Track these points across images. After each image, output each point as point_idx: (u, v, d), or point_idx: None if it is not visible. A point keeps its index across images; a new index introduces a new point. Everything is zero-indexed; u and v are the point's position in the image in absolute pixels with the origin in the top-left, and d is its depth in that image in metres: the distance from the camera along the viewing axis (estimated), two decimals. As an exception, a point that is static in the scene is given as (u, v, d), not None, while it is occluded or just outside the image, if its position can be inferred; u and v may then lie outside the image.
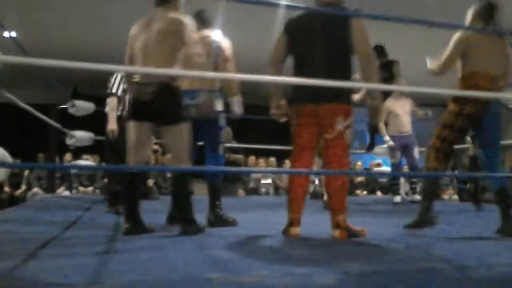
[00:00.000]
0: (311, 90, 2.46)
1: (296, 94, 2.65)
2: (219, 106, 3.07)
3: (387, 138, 5.30)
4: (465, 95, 2.70)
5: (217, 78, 3.06)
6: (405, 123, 5.35)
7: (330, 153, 2.58)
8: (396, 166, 5.45)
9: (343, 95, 2.56)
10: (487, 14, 2.77)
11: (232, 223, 3.04)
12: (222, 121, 3.13)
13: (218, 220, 3.02)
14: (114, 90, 3.84)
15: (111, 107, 3.82)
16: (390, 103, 5.32)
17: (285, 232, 2.60)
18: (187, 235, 2.53)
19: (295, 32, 2.65)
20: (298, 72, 2.61)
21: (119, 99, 3.83)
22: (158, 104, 2.52)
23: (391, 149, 5.31)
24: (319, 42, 2.57)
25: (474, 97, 2.65)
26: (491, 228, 2.77)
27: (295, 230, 2.57)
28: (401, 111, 5.35)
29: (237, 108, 3.25)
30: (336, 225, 2.53)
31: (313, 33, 2.58)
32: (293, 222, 2.59)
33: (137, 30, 2.69)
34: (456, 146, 3.02)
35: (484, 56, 2.72)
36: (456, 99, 2.76)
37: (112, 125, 3.77)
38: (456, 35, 2.78)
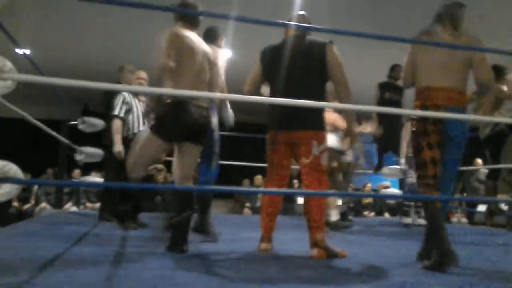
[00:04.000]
0: (286, 118, 2.59)
1: (272, 122, 2.71)
2: (214, 120, 3.10)
3: (402, 161, 5.16)
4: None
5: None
6: None
7: (308, 176, 2.68)
8: None
9: (316, 122, 2.66)
10: (449, 16, 2.46)
11: (213, 237, 3.10)
12: (216, 133, 3.16)
13: (201, 228, 3.11)
14: (116, 112, 3.82)
15: (116, 129, 3.79)
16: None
17: (258, 247, 2.79)
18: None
19: (270, 61, 2.74)
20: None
21: (122, 120, 3.84)
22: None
23: None
24: (295, 71, 2.64)
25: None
26: (501, 253, 2.73)
27: (263, 246, 2.78)
28: None
29: (228, 116, 3.28)
30: (314, 244, 2.59)
31: (289, 61, 2.66)
32: (263, 238, 2.80)
33: None
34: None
35: (434, 66, 2.42)
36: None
37: (118, 147, 3.77)
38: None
